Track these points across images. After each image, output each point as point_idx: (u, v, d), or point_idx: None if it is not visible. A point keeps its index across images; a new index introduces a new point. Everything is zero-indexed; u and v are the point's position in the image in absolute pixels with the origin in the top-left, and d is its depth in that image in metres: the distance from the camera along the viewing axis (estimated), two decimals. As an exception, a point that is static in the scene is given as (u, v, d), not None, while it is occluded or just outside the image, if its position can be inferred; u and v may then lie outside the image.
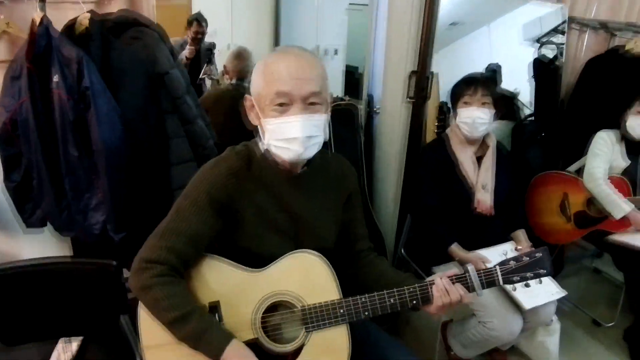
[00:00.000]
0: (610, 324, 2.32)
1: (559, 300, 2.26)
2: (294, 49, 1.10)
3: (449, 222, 1.84)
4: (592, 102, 2.45)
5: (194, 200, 1.08)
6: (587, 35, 2.79)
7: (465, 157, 1.87)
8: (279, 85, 1.03)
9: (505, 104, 2.73)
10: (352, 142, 2.09)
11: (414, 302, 1.11)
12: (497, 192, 1.87)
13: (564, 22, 2.60)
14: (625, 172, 2.19)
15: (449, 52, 2.76)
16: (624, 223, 2.10)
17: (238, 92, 2.57)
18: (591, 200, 2.18)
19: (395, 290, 1.11)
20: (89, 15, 1.62)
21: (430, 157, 1.91)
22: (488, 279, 1.13)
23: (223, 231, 1.13)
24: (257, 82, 1.08)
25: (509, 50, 2.79)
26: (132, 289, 1.06)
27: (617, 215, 2.07)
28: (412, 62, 1.95)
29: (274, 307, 1.13)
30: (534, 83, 2.73)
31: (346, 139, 2.08)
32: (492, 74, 2.47)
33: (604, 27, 2.64)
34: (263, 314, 1.11)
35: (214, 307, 1.09)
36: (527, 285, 1.16)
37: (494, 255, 1.76)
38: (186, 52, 2.50)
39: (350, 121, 2.09)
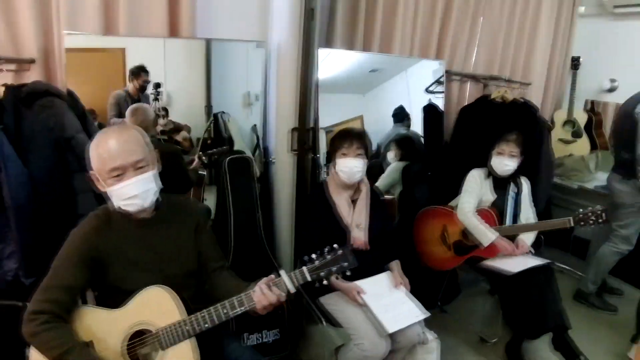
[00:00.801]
0: (493, 340, 2.58)
1: (448, 320, 2.52)
2: (115, 129, 1.41)
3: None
4: (466, 143, 2.81)
5: (66, 259, 1.37)
6: (468, 85, 3.19)
7: (341, 200, 2.13)
8: (111, 163, 1.34)
9: (406, 146, 3.07)
10: (248, 190, 2.32)
11: (242, 308, 1.35)
12: (372, 229, 2.13)
13: (442, 75, 2.98)
14: (494, 204, 2.51)
15: (374, 95, 3.12)
16: (495, 249, 2.40)
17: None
18: (466, 231, 2.48)
19: (226, 301, 1.36)
20: (2, 88, 1.85)
21: (311, 202, 2.16)
22: (299, 278, 1.39)
23: (95, 278, 1.40)
24: (94, 161, 1.37)
25: (418, 96, 3.15)
26: (24, 336, 1.31)
27: (484, 243, 2.37)
28: (294, 118, 2.22)
29: (140, 335, 1.36)
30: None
31: (242, 188, 2.30)
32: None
33: (474, 78, 3.04)
34: (129, 342, 1.35)
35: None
36: (337, 277, 1.42)
37: (369, 284, 2.02)
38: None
39: (246, 171, 2.33)
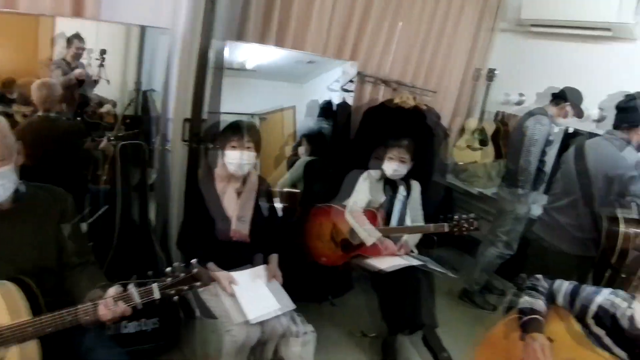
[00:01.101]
0: (372, 335, 2.75)
1: (336, 313, 2.74)
2: None
3: (209, 246, 2.15)
4: (367, 144, 2.92)
5: None
6: (382, 88, 3.30)
7: (227, 191, 2.19)
8: None
9: (316, 141, 3.16)
10: (139, 178, 2.33)
11: (87, 317, 1.35)
12: (255, 222, 2.21)
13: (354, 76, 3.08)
14: (382, 205, 2.64)
15: (311, 86, 3.16)
16: (378, 249, 2.54)
17: (55, 124, 2.77)
18: (352, 230, 2.60)
19: (72, 308, 1.34)
20: None
21: (198, 191, 2.19)
22: (146, 294, 1.37)
23: None
24: None
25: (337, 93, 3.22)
26: None
27: (367, 242, 2.51)
28: (189, 108, 2.25)
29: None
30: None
31: (132, 176, 2.30)
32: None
33: (384, 82, 3.15)
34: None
35: None
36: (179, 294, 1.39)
37: (243, 275, 2.11)
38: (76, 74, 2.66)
39: (138, 158, 2.33)
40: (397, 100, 3.00)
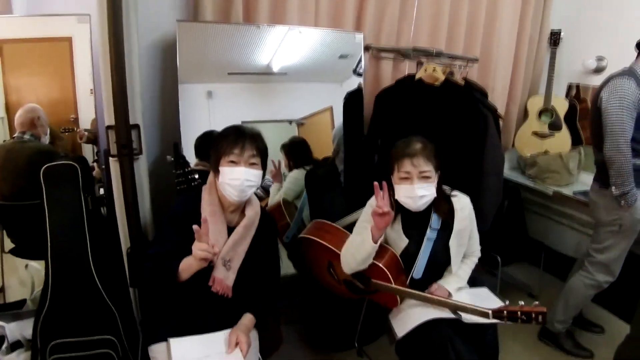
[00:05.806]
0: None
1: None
2: None
3: (174, 294, 1.52)
4: (385, 140, 2.13)
5: None
6: (406, 65, 2.50)
7: (214, 223, 1.51)
8: None
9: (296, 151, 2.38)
10: (74, 204, 1.76)
11: None
12: (245, 270, 1.55)
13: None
14: (407, 252, 1.72)
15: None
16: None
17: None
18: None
19: None
20: None
21: (178, 213, 1.54)
22: None
23: None
24: None
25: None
26: None
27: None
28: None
29: None
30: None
31: (65, 202, 1.75)
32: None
33: (398, 53, 2.35)
34: None
35: None
36: None
37: (194, 342, 1.44)
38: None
39: (71, 181, 1.75)
40: (419, 74, 2.18)
